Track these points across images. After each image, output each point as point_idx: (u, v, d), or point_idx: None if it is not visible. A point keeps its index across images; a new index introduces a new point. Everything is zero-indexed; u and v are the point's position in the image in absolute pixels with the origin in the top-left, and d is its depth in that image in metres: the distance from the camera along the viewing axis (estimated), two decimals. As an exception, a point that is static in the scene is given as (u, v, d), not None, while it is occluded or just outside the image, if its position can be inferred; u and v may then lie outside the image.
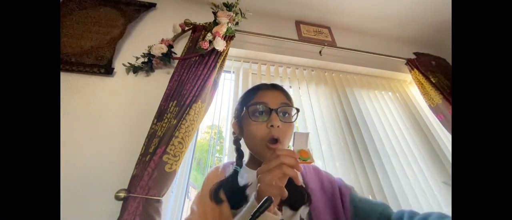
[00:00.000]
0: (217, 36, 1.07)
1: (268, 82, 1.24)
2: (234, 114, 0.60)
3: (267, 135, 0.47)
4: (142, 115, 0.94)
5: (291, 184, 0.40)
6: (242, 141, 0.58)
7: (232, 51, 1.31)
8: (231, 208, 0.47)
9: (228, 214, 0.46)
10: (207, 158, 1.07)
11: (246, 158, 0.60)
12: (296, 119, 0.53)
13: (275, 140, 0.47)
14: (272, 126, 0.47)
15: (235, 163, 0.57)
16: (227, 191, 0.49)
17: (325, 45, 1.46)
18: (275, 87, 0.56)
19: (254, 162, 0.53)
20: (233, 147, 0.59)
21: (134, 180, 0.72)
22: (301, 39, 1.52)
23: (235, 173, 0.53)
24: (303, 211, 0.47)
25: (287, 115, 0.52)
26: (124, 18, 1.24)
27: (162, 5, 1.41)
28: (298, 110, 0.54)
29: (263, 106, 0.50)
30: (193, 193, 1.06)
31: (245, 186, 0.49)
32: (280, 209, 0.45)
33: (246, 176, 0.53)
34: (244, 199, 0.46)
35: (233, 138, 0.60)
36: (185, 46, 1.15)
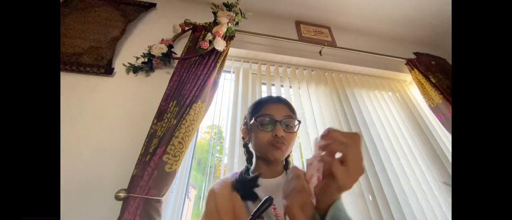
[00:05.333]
0: (217, 36, 1.06)
1: (268, 82, 1.28)
2: (243, 121, 0.69)
3: (272, 142, 0.56)
4: (142, 115, 0.94)
5: None
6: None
7: (232, 51, 1.31)
8: (242, 198, 0.52)
9: (240, 204, 0.52)
10: (207, 158, 1.07)
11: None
12: (297, 129, 0.61)
13: (278, 147, 0.55)
14: (276, 135, 0.55)
15: (244, 167, 0.65)
16: (240, 182, 0.56)
17: (325, 45, 1.46)
18: (280, 101, 0.64)
19: (261, 160, 0.63)
20: (243, 149, 0.71)
21: (134, 180, 0.72)
22: (301, 39, 1.51)
23: (247, 169, 0.62)
24: None
25: (290, 126, 0.59)
26: (124, 18, 1.24)
27: (162, 5, 1.41)
28: (299, 122, 0.61)
29: (269, 118, 0.57)
30: (193, 193, 1.06)
31: (257, 177, 0.56)
32: None
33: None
34: (255, 186, 0.54)
35: (242, 143, 0.71)
36: (185, 46, 1.15)
